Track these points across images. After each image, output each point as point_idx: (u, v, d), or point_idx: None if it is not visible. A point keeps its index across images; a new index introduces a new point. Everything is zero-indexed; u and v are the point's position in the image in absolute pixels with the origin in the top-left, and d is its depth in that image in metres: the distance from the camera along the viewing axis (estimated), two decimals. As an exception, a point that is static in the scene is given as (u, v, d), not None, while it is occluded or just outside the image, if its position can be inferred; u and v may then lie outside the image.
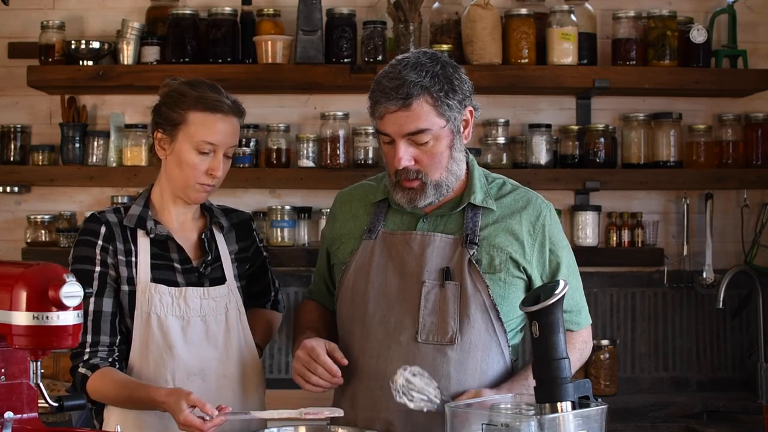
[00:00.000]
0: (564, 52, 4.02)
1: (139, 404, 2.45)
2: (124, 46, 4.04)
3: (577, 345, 2.58)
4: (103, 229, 2.55)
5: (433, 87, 2.38)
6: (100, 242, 2.54)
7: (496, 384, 2.47)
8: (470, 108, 2.48)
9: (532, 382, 2.15)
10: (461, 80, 2.45)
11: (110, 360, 2.51)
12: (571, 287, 2.42)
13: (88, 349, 2.50)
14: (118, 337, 2.54)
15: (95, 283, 2.51)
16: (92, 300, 2.50)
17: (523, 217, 2.51)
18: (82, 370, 2.49)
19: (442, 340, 2.43)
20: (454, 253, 2.46)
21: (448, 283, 2.44)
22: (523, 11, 4.04)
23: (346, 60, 4.01)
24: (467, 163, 2.55)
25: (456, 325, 2.43)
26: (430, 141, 2.40)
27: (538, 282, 2.50)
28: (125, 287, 2.54)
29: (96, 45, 4.04)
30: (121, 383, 2.47)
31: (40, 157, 4.14)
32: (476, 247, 2.46)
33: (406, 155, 2.40)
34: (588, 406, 2.12)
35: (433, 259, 2.46)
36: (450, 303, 2.43)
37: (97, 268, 2.53)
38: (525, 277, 2.50)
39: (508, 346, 2.50)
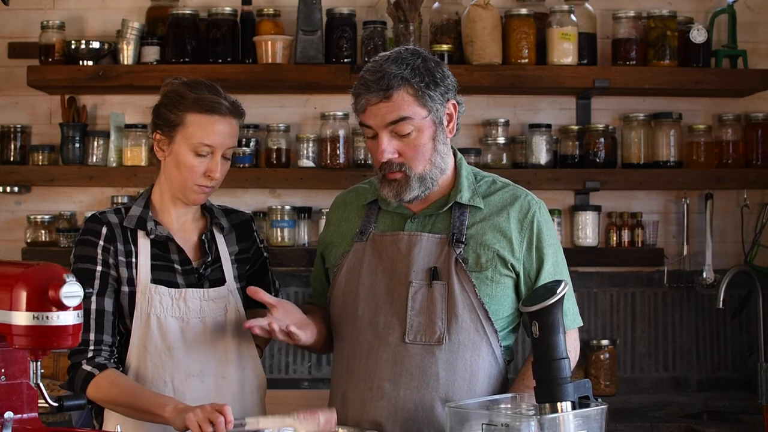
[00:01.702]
0: (564, 52, 4.02)
1: (142, 414, 2.43)
2: (124, 46, 4.04)
3: None
4: (104, 230, 2.55)
5: (414, 78, 2.40)
6: (101, 242, 2.54)
7: (488, 384, 2.47)
8: (453, 102, 2.48)
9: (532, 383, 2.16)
10: (443, 74, 2.46)
11: (112, 360, 2.51)
12: None
13: (92, 347, 2.48)
14: (117, 339, 2.54)
15: (96, 283, 2.51)
16: (94, 299, 2.50)
17: (511, 214, 2.50)
18: (86, 367, 2.47)
19: (430, 340, 2.43)
20: (441, 253, 2.46)
21: (435, 282, 2.44)
22: (523, 11, 4.04)
23: (346, 60, 4.01)
24: (455, 162, 2.56)
25: (443, 325, 2.43)
26: (413, 132, 2.41)
27: (524, 280, 2.49)
28: (125, 288, 2.54)
29: (96, 45, 4.04)
30: (128, 390, 2.45)
31: (40, 157, 4.14)
32: (463, 245, 2.45)
33: (389, 147, 2.42)
34: (588, 406, 2.12)
35: (419, 259, 2.46)
36: (437, 303, 2.43)
37: (99, 268, 2.53)
38: (513, 275, 2.48)
39: (500, 347, 2.49)
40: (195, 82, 2.58)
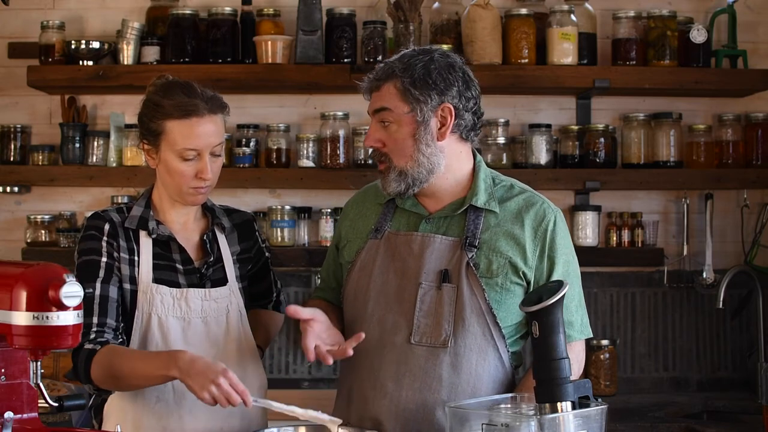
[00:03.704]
0: (564, 52, 4.02)
1: (148, 380, 2.40)
2: (124, 46, 4.05)
3: None
4: (107, 227, 2.56)
5: (404, 75, 2.44)
6: (105, 238, 2.55)
7: (493, 388, 2.46)
8: (449, 106, 2.46)
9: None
10: (447, 78, 2.45)
11: (118, 342, 2.50)
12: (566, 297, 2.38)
13: (95, 329, 2.47)
14: (122, 324, 2.53)
15: (102, 272, 2.51)
16: (99, 285, 2.50)
17: (526, 222, 2.48)
18: (88, 346, 2.45)
19: (435, 342, 2.43)
20: (453, 256, 2.46)
21: (445, 285, 2.44)
22: (523, 11, 4.04)
23: (346, 60, 4.01)
24: (474, 164, 2.55)
25: (450, 328, 2.42)
26: (393, 125, 2.45)
27: (534, 288, 2.46)
28: (127, 286, 2.54)
29: (96, 45, 4.04)
30: (129, 355, 2.44)
31: (40, 157, 4.14)
32: (475, 250, 2.45)
33: (373, 134, 2.49)
34: (588, 406, 2.12)
35: (431, 261, 2.46)
36: (445, 305, 2.43)
37: (104, 259, 2.53)
38: (524, 284, 2.47)
39: (508, 352, 2.48)
40: (169, 85, 2.56)
